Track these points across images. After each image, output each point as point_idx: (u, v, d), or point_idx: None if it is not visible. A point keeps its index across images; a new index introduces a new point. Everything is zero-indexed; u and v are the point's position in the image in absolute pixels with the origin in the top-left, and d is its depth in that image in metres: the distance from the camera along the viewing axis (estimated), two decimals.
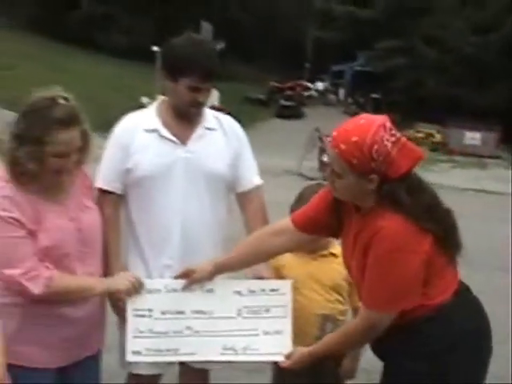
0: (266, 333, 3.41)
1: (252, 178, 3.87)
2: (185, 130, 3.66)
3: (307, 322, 3.65)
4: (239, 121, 3.98)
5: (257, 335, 3.41)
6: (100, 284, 3.33)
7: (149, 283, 3.42)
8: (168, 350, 3.39)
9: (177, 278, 3.45)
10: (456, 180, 20.37)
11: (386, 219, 2.80)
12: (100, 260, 3.47)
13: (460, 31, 35.91)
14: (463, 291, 3.07)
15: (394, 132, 2.79)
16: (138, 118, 3.74)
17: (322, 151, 22.18)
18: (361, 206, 2.95)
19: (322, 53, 50.24)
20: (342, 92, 48.77)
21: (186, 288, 3.41)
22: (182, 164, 3.61)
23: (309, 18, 51.38)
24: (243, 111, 34.83)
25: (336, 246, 3.68)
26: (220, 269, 3.44)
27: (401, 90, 39.48)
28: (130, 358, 3.39)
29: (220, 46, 33.12)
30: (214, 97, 30.07)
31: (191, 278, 3.41)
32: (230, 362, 3.53)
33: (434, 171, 23.08)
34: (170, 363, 3.69)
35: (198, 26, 34.98)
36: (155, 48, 29.12)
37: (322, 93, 48.44)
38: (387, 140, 2.74)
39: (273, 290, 3.44)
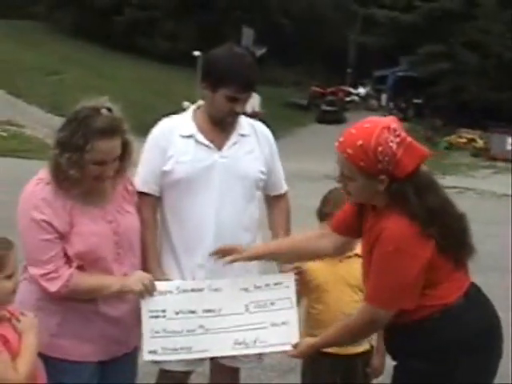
0: (274, 324, 3.56)
1: (281, 183, 4.04)
2: (220, 136, 3.80)
3: (336, 321, 3.76)
4: (268, 126, 4.11)
5: (265, 328, 3.56)
6: (116, 283, 3.43)
7: (161, 285, 3.54)
8: (182, 349, 3.54)
9: (215, 253, 3.60)
10: (496, 186, 20.28)
11: (391, 220, 2.91)
12: (138, 261, 3.61)
13: (501, 36, 35.63)
14: (474, 293, 3.13)
15: (398, 133, 2.89)
16: (174, 122, 3.89)
17: None
18: (377, 206, 3.07)
19: (364, 58, 50.09)
20: (384, 97, 48.49)
21: (195, 288, 3.57)
22: (217, 168, 3.75)
23: (351, 23, 51.32)
24: (284, 116, 35.00)
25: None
26: (256, 256, 3.63)
27: (443, 95, 39.28)
28: (146, 357, 3.54)
29: (261, 51, 33.29)
30: (256, 101, 30.18)
31: (230, 257, 3.54)
32: (242, 355, 3.67)
33: (475, 177, 23.04)
34: (201, 360, 3.82)
35: (239, 30, 35.14)
36: (197, 53, 29.43)
37: (363, 98, 48.22)
38: (391, 141, 2.85)
39: (277, 284, 3.60)
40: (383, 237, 2.91)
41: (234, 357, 3.73)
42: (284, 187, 4.06)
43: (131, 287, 3.44)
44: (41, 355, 3.09)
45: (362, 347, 3.95)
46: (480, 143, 30.66)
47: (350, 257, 3.88)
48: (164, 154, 3.75)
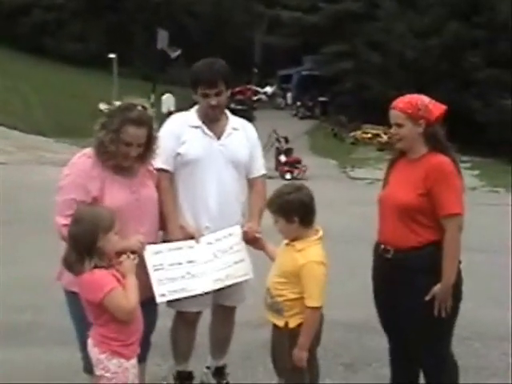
0: (236, 262, 4.79)
1: (261, 168, 5.09)
2: (218, 129, 4.86)
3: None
4: None
5: (231, 266, 4.77)
6: (119, 244, 4.15)
7: (154, 247, 4.53)
8: (180, 290, 4.58)
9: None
10: None
11: (438, 158, 4.33)
12: (153, 223, 4.54)
13: (402, 36, 36.96)
14: None
15: (428, 97, 4.46)
16: (184, 116, 4.95)
17: (279, 151, 23.36)
18: (408, 155, 4.46)
19: (270, 58, 51.21)
20: (289, 96, 49.65)
21: (178, 247, 4.63)
22: (217, 152, 4.82)
23: (257, 24, 52.31)
24: None
25: (302, 242, 4.25)
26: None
27: (347, 93, 40.66)
28: (159, 299, 4.49)
29: (176, 52, 33.91)
30: (171, 102, 30.95)
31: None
32: (219, 288, 4.72)
33: (382, 169, 24.01)
34: (206, 304, 4.91)
35: (149, 31, 35.51)
36: (111, 55, 30.02)
37: (270, 97, 49.34)
38: (425, 99, 4.43)
39: (231, 235, 4.81)
40: (442, 168, 4.29)
41: (231, 298, 4.93)
42: (262, 171, 5.09)
43: (131, 247, 4.26)
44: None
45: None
46: (384, 138, 31.85)
47: (288, 244, 4.35)
48: (178, 139, 4.78)
